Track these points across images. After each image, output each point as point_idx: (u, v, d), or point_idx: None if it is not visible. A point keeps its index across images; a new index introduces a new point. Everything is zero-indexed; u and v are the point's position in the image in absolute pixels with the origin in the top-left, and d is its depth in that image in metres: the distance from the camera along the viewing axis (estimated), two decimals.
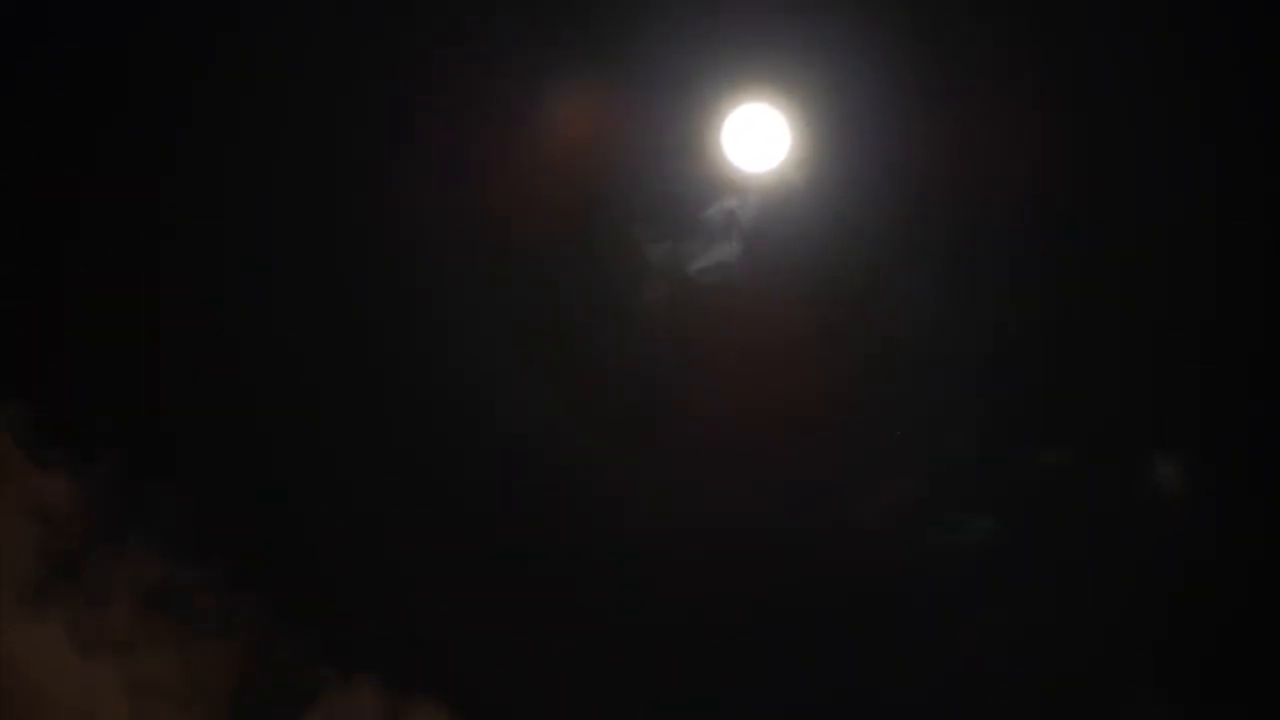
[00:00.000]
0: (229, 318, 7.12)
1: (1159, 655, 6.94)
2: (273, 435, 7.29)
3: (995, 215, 7.53)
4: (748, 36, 7.47)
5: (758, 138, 7.55)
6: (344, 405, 7.38)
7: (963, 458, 7.45)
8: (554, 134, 7.37)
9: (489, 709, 7.14)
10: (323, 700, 7.11)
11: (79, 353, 7.17)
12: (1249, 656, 6.73)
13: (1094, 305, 7.42)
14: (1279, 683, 6.63)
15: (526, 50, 7.48)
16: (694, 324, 7.63)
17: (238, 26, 7.22)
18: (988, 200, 7.49)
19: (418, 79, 7.30)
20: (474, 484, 7.39)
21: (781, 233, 7.59)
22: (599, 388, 7.60)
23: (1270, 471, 7.01)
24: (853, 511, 7.53)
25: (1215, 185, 7.49)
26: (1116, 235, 7.47)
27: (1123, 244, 7.49)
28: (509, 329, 7.52)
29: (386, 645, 7.26)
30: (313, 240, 7.35)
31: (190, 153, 7.30)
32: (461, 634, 7.19)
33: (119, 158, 7.39)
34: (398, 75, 7.33)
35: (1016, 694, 6.98)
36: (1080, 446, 7.25)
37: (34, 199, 7.13)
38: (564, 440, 7.53)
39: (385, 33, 7.38)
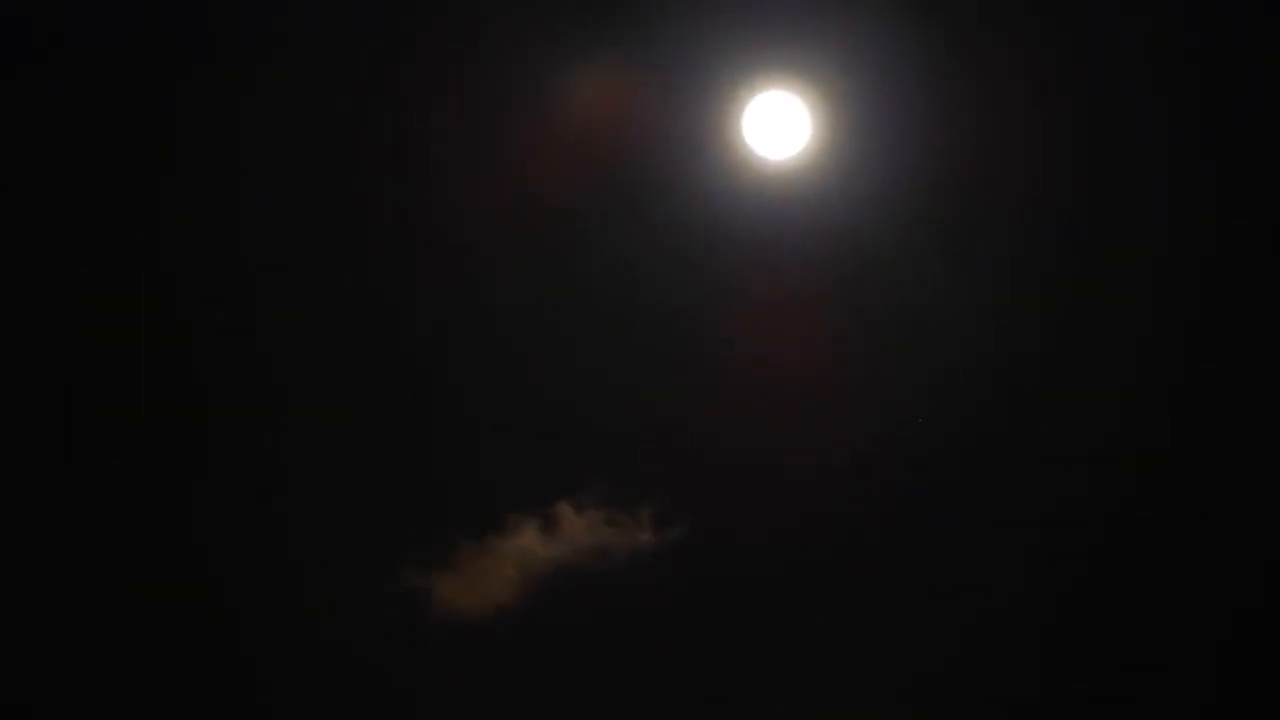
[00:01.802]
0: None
1: None
2: None
3: (1013, 205, 7.55)
4: (769, 25, 7.46)
5: (778, 125, 7.53)
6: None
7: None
8: (577, 121, 7.32)
9: None
10: None
11: None
12: None
13: (1111, 303, 7.44)
14: None
15: (548, 38, 7.44)
16: (710, 311, 7.59)
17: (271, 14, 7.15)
18: (1006, 190, 7.50)
19: (442, 65, 7.24)
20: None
21: (800, 219, 7.56)
22: (613, 375, 7.53)
23: None
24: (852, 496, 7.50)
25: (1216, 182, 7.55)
26: (1133, 227, 7.50)
27: (1139, 238, 7.53)
28: (524, 315, 7.45)
29: None
30: (327, 240, 7.26)
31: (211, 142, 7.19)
32: None
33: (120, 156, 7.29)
34: (423, 59, 7.26)
35: None
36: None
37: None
38: (576, 427, 7.46)
39: (412, 17, 7.33)
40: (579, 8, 7.31)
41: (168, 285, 7.10)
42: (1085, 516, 7.40)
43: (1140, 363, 7.54)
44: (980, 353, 7.61)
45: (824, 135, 7.43)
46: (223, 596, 6.79)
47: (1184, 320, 7.55)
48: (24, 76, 7.19)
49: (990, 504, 7.48)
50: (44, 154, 7.40)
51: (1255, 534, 7.05)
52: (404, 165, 7.41)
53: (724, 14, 7.37)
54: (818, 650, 6.99)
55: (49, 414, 7.02)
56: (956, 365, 7.62)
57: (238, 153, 7.44)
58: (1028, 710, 7.15)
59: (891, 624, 7.09)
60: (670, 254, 7.51)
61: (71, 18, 7.33)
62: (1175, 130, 7.46)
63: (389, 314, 7.19)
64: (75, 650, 6.66)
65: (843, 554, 7.20)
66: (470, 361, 7.23)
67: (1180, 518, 7.23)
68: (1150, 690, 6.96)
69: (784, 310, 7.54)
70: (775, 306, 7.52)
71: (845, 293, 7.53)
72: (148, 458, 6.87)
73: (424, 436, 7.02)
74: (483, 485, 7.00)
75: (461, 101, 7.36)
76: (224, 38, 7.42)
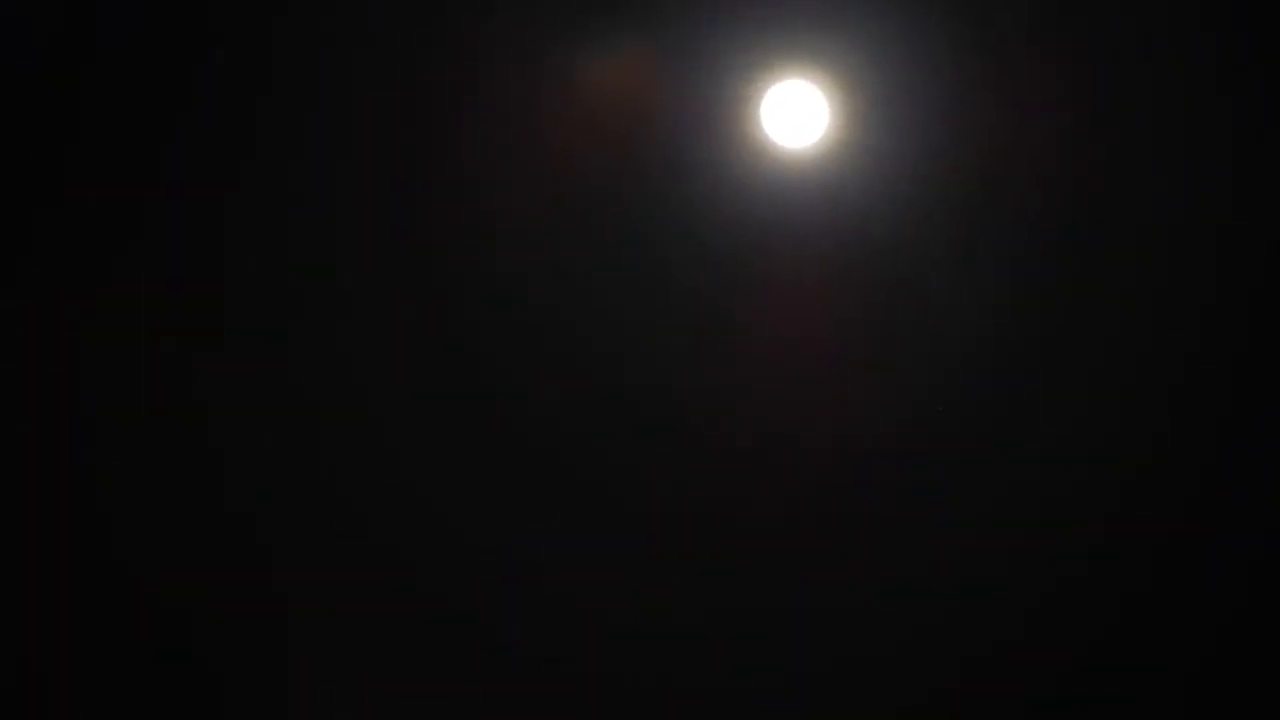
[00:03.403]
0: None
1: None
2: None
3: (1034, 197, 7.48)
4: (787, 13, 7.31)
5: (796, 114, 7.39)
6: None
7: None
8: (591, 110, 7.20)
9: None
10: None
11: None
12: None
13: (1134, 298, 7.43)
14: None
15: (563, 25, 7.29)
16: (728, 301, 7.55)
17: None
18: (1026, 182, 7.42)
19: (454, 53, 7.10)
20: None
21: (818, 210, 7.48)
22: (632, 362, 7.53)
23: None
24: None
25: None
26: (1152, 224, 7.45)
27: (1157, 236, 7.48)
28: (538, 311, 7.42)
29: None
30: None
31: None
32: None
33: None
34: (432, 51, 7.12)
35: None
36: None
37: None
38: (588, 423, 7.47)
39: (425, 7, 7.18)
40: None
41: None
42: (1087, 513, 7.47)
43: (1155, 361, 7.53)
44: (997, 342, 7.59)
45: (843, 125, 7.30)
46: None
47: (1198, 320, 7.52)
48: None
49: (997, 497, 7.54)
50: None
51: (1256, 534, 7.11)
52: (409, 155, 7.32)
53: (742, 2, 7.19)
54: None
55: (62, 416, 7.03)
56: (972, 355, 7.61)
57: (245, 146, 7.36)
58: (1030, 709, 7.30)
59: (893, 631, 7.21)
60: (686, 242, 7.46)
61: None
62: (1196, 129, 7.36)
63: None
64: None
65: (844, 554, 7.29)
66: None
67: (1181, 517, 7.29)
68: (1148, 689, 7.10)
69: (802, 300, 7.52)
70: (793, 297, 7.49)
71: (861, 283, 7.49)
72: None
73: None
74: None
75: (470, 90, 7.23)
76: (237, 27, 7.30)
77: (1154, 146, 7.10)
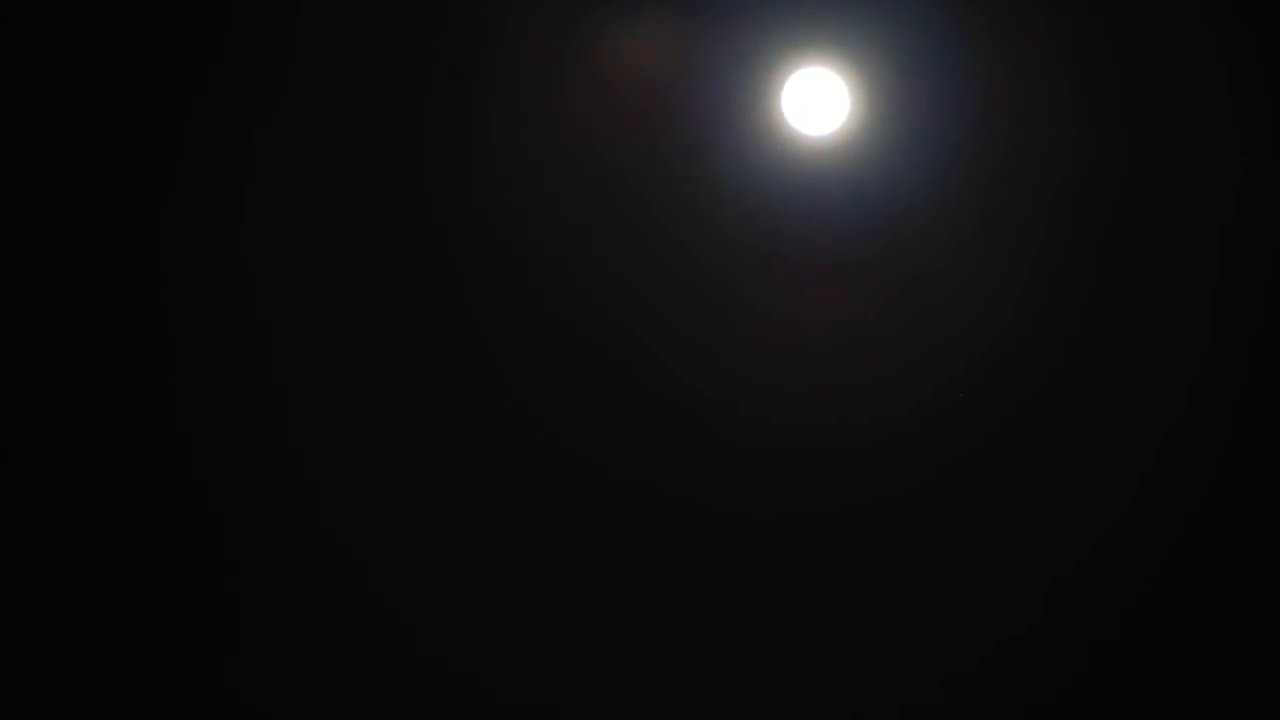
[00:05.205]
0: None
1: None
2: None
3: (1051, 189, 7.45)
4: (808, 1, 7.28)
5: (817, 102, 7.37)
6: None
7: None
8: (611, 97, 7.18)
9: None
10: None
11: None
12: None
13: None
14: None
15: (583, 11, 7.25)
16: (749, 286, 7.55)
17: None
18: (1044, 173, 7.40)
19: (463, 44, 7.07)
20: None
21: (838, 197, 7.46)
22: (651, 344, 7.52)
23: None
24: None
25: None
26: (1168, 219, 7.42)
27: (1173, 232, 7.46)
28: (558, 294, 7.41)
29: None
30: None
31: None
32: None
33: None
34: (440, 46, 7.08)
35: None
36: None
37: None
38: (610, 406, 7.47)
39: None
40: None
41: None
42: (1092, 509, 7.45)
43: (1164, 358, 7.51)
44: (1015, 328, 7.57)
45: (863, 112, 7.27)
46: None
47: (1210, 318, 7.50)
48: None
49: (1012, 485, 7.52)
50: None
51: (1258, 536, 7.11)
52: (417, 144, 7.29)
53: None
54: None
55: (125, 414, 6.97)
56: (991, 340, 7.59)
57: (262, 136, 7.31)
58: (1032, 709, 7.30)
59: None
60: (707, 228, 7.44)
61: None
62: (1212, 126, 7.33)
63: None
64: None
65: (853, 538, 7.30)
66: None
67: (1188, 513, 7.28)
68: (1147, 689, 7.10)
69: (822, 285, 7.49)
70: (813, 282, 7.46)
71: (880, 269, 7.48)
72: None
73: None
74: None
75: (494, 81, 7.20)
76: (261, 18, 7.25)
77: (1165, 141, 7.06)
